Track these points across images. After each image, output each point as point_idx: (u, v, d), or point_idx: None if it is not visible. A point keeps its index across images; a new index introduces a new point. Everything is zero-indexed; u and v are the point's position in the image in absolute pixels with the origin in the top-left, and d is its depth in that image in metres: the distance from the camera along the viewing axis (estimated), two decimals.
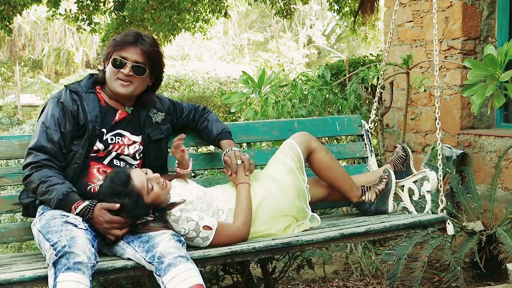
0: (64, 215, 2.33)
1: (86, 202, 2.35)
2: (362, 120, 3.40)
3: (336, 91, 4.72)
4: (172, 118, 2.85)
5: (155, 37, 10.25)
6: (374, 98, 3.56)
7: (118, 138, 2.61)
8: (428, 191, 2.91)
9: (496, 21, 5.15)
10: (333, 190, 2.98)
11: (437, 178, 2.90)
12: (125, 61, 2.57)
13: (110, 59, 2.60)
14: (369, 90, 6.01)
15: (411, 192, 3.03)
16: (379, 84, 3.54)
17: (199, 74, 14.18)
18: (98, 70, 2.70)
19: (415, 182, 3.01)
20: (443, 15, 5.24)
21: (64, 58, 29.36)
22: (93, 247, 2.23)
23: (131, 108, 2.68)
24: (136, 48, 2.59)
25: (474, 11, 5.11)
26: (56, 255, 2.13)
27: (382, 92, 6.16)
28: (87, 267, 2.13)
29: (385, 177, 2.98)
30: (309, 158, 2.88)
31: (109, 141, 2.59)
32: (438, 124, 2.96)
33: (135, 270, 2.32)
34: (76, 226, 2.26)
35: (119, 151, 2.62)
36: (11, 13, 8.92)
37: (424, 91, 4.96)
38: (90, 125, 2.53)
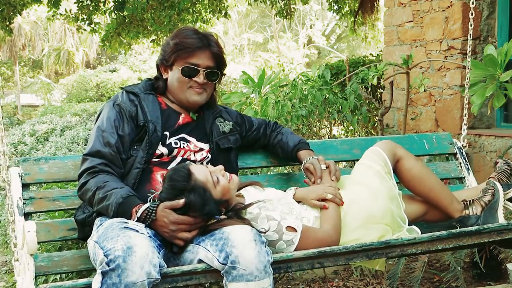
0: (124, 221, 2.02)
1: (147, 204, 2.05)
2: (453, 138, 3.12)
3: (336, 91, 4.73)
4: (241, 129, 2.60)
5: (155, 37, 10.29)
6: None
7: (184, 143, 2.36)
8: None
9: (496, 21, 5.15)
10: (431, 208, 2.57)
11: None
12: (198, 68, 2.35)
13: (176, 67, 2.36)
14: (369, 90, 6.01)
15: None
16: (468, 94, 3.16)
17: None
18: (157, 78, 2.46)
19: None
20: (443, 15, 5.25)
21: (64, 58, 29.38)
22: (158, 257, 1.88)
23: (196, 114, 2.45)
24: (206, 52, 2.36)
25: (474, 11, 5.12)
26: (107, 264, 1.81)
27: (382, 92, 6.19)
28: (142, 286, 1.80)
29: (490, 188, 2.59)
30: (397, 167, 2.52)
31: (173, 145, 2.34)
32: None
33: (207, 276, 1.98)
34: (137, 231, 1.94)
35: (185, 156, 2.34)
36: (11, 13, 8.94)
37: (424, 91, 4.96)
38: (151, 125, 2.29)
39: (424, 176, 2.52)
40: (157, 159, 2.30)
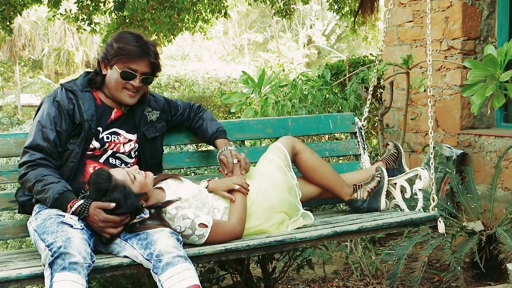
0: (60, 215, 2.34)
1: (81, 201, 2.35)
2: (355, 118, 3.44)
3: (336, 91, 4.72)
4: (167, 116, 2.85)
5: (155, 37, 10.28)
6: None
7: (114, 137, 2.62)
8: (420, 189, 2.94)
9: (496, 21, 5.15)
10: (325, 190, 2.99)
11: (429, 176, 2.92)
12: (135, 73, 2.59)
13: (116, 68, 2.58)
14: (369, 90, 6.00)
15: (403, 190, 3.05)
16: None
17: (199, 74, 14.18)
18: (96, 73, 2.68)
19: (408, 180, 3.04)
20: (443, 15, 5.24)
21: (64, 58, 29.36)
22: (89, 247, 2.23)
23: (127, 108, 2.69)
24: (145, 60, 2.60)
25: (474, 11, 5.11)
26: (52, 255, 2.13)
27: (382, 92, 6.18)
28: (82, 267, 2.13)
29: (378, 175, 2.99)
30: (295, 159, 2.91)
31: (105, 140, 2.60)
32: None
33: (131, 267, 2.32)
34: (71, 226, 2.26)
35: (114, 149, 2.63)
36: (12, 13, 8.93)
37: (424, 91, 4.96)
38: (86, 124, 2.54)
39: (318, 167, 2.92)
40: (90, 152, 2.57)
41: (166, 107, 2.86)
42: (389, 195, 3.09)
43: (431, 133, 2.99)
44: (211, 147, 3.07)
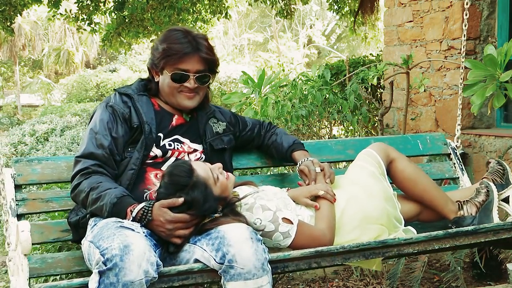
0: (119, 221, 2.00)
1: (143, 204, 2.02)
2: (446, 139, 3.11)
3: (336, 91, 4.72)
4: (235, 130, 2.58)
5: (155, 37, 10.29)
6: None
7: (177, 144, 2.34)
8: None
9: (496, 21, 5.15)
10: (425, 208, 2.54)
11: None
12: (187, 73, 2.32)
13: (166, 72, 2.33)
14: (369, 90, 6.01)
15: None
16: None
17: None
18: (149, 80, 2.43)
19: None
20: (443, 15, 5.25)
21: (64, 58, 29.37)
22: (155, 255, 1.87)
23: (189, 115, 2.43)
24: (196, 57, 2.31)
25: (474, 11, 5.11)
26: (104, 263, 1.78)
27: (382, 92, 6.19)
28: (141, 285, 1.78)
29: (484, 187, 2.55)
30: (390, 169, 2.50)
31: (167, 147, 2.32)
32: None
33: (204, 275, 1.95)
34: (133, 230, 1.91)
35: (179, 157, 2.33)
36: (12, 13, 8.95)
37: (424, 91, 4.96)
38: (146, 127, 2.27)
39: (417, 178, 2.50)
40: (151, 161, 2.28)
41: (233, 120, 2.58)
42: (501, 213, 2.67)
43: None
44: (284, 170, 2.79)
